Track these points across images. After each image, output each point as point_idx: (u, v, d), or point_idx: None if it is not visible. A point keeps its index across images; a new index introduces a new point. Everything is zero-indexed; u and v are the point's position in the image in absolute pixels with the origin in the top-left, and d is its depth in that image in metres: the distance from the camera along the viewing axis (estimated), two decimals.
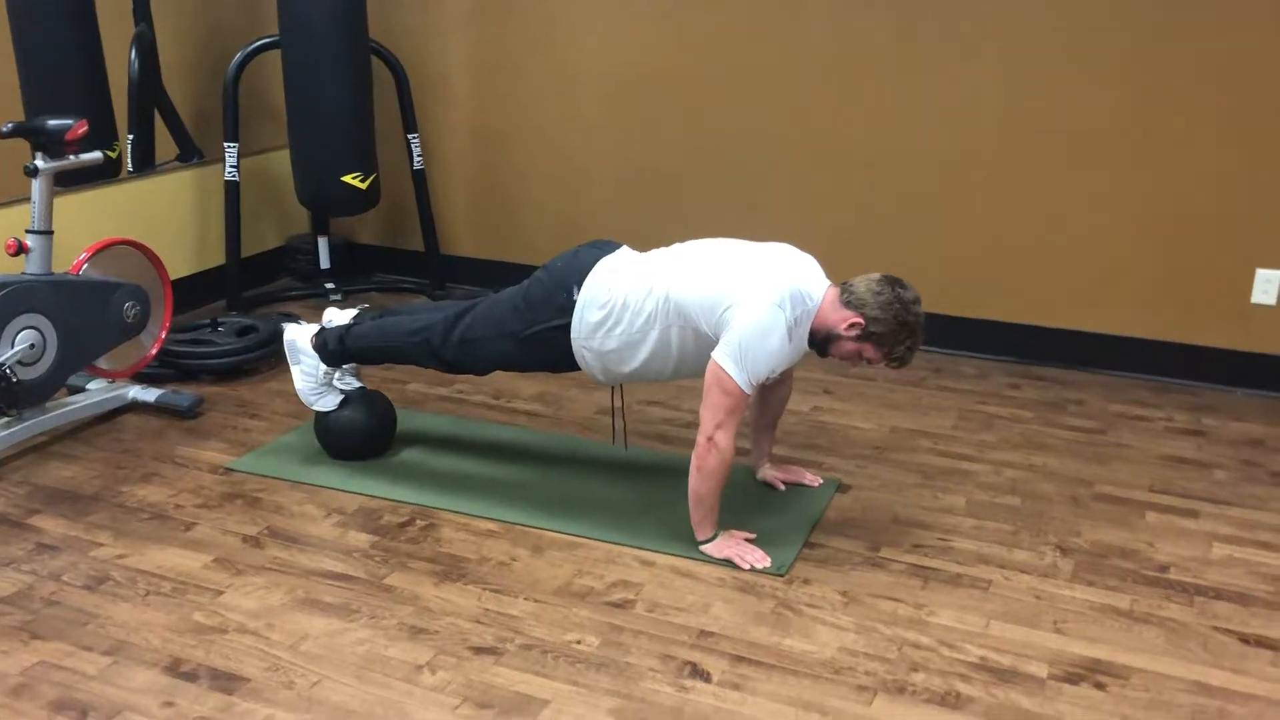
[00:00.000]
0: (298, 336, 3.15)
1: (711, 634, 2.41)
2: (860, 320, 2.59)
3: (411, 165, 4.54)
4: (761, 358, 2.57)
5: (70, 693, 2.22)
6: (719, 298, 2.61)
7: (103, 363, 3.49)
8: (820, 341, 2.68)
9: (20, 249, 3.19)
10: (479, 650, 2.36)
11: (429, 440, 3.36)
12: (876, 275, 2.64)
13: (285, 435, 3.38)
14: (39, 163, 3.19)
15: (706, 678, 2.27)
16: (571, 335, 2.78)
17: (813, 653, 2.35)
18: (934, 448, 3.32)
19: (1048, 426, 3.47)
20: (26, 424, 3.24)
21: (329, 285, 4.67)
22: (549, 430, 3.44)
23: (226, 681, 2.26)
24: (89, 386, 3.58)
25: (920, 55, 3.85)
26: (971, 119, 3.84)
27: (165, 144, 4.54)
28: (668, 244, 2.86)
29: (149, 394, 3.55)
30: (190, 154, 4.61)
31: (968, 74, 3.80)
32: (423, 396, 3.68)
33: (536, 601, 2.53)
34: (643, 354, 2.74)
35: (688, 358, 2.72)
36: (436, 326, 2.97)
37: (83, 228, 3.78)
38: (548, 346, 2.83)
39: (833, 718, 2.15)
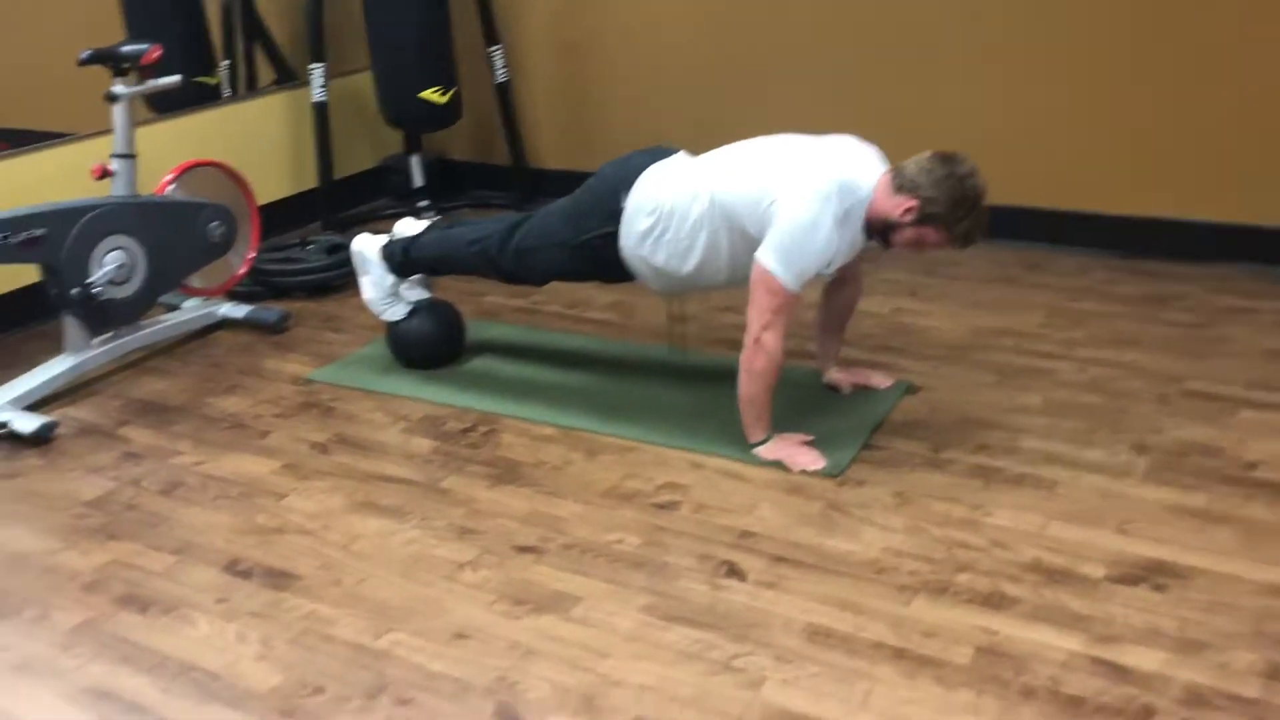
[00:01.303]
0: (365, 247, 3.20)
1: (753, 534, 2.38)
2: (915, 203, 2.47)
3: (494, 78, 4.52)
4: (808, 254, 2.48)
5: (136, 589, 2.34)
6: (762, 193, 2.53)
7: (195, 282, 3.62)
8: (879, 232, 2.57)
9: (105, 173, 3.32)
10: (522, 549, 2.38)
11: (499, 349, 3.38)
12: (927, 154, 2.51)
13: (364, 347, 3.45)
14: (117, 89, 3.30)
15: (742, 576, 2.24)
16: (620, 243, 2.74)
17: (855, 553, 2.30)
18: (1016, 346, 3.17)
19: (1144, 322, 3.27)
20: (122, 341, 3.39)
21: (422, 203, 4.72)
22: (619, 338, 3.42)
23: (279, 579, 2.34)
24: (184, 305, 3.73)
25: None
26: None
27: (267, 70, 4.65)
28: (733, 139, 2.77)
29: (239, 310, 3.67)
30: (287, 77, 4.70)
31: None
32: (499, 308, 3.71)
33: (584, 503, 2.54)
34: (693, 261, 2.68)
35: (739, 262, 2.64)
36: (494, 237, 2.97)
37: (178, 153, 3.88)
38: (598, 255, 2.79)
39: (867, 617, 2.10)
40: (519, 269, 2.96)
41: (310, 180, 4.60)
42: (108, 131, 3.36)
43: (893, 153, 2.64)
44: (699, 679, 1.97)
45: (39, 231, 3.10)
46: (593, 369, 3.22)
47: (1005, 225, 3.90)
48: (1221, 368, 2.97)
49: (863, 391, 2.96)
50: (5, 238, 3.04)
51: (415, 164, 4.77)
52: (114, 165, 3.33)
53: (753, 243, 2.56)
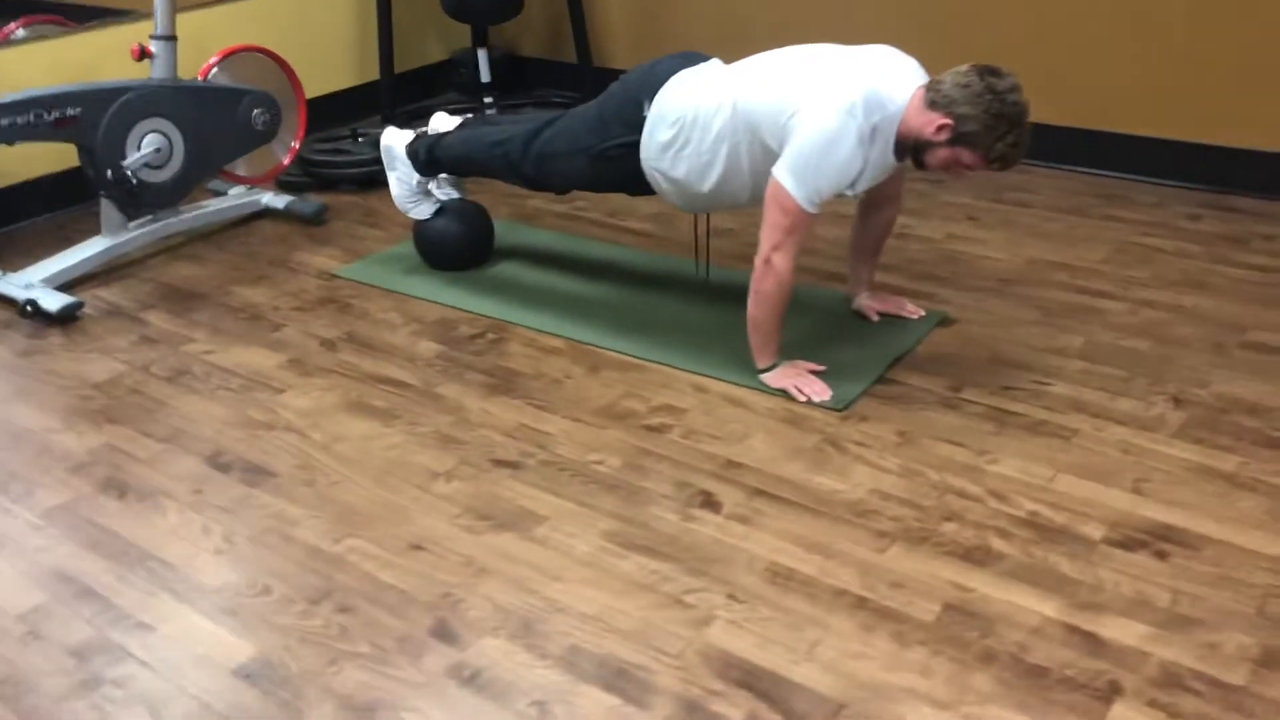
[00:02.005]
0: (394, 142, 3.12)
1: (739, 465, 2.26)
2: (949, 121, 2.27)
3: None
4: (826, 172, 2.30)
5: (118, 473, 2.35)
6: (783, 105, 2.35)
7: (239, 169, 3.61)
8: (912, 151, 2.37)
9: (144, 54, 3.29)
10: (500, 463, 2.32)
11: (530, 255, 3.29)
12: (965, 66, 2.29)
13: (398, 245, 3.40)
14: None
15: (716, 508, 2.14)
16: (640, 155, 2.60)
17: (841, 492, 2.16)
18: (1069, 282, 2.95)
19: (1217, 263, 3.01)
20: (160, 225, 3.40)
21: (487, 99, 4.61)
22: (654, 251, 3.29)
23: (255, 475, 2.32)
24: (229, 193, 3.72)
25: None
26: None
27: None
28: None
29: (279, 200, 3.65)
30: None
31: None
32: (540, 212, 3.60)
33: (574, 420, 2.45)
34: (713, 176, 2.52)
35: (761, 178, 2.46)
36: (517, 140, 2.85)
37: (234, 38, 3.85)
38: (618, 166, 2.66)
39: (837, 561, 1.98)
40: (539, 175, 2.84)
41: (374, 72, 4.53)
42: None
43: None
44: (644, 611, 1.89)
45: (73, 111, 3.10)
46: (617, 281, 3.10)
47: (1083, 151, 3.63)
48: None
49: (892, 321, 2.79)
50: (39, 115, 3.05)
51: (483, 58, 4.64)
52: (153, 47, 3.30)
53: (773, 158, 2.39)
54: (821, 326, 2.77)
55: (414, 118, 4.53)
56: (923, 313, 2.80)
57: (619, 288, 3.06)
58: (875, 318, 2.79)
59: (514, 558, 2.04)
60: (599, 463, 2.30)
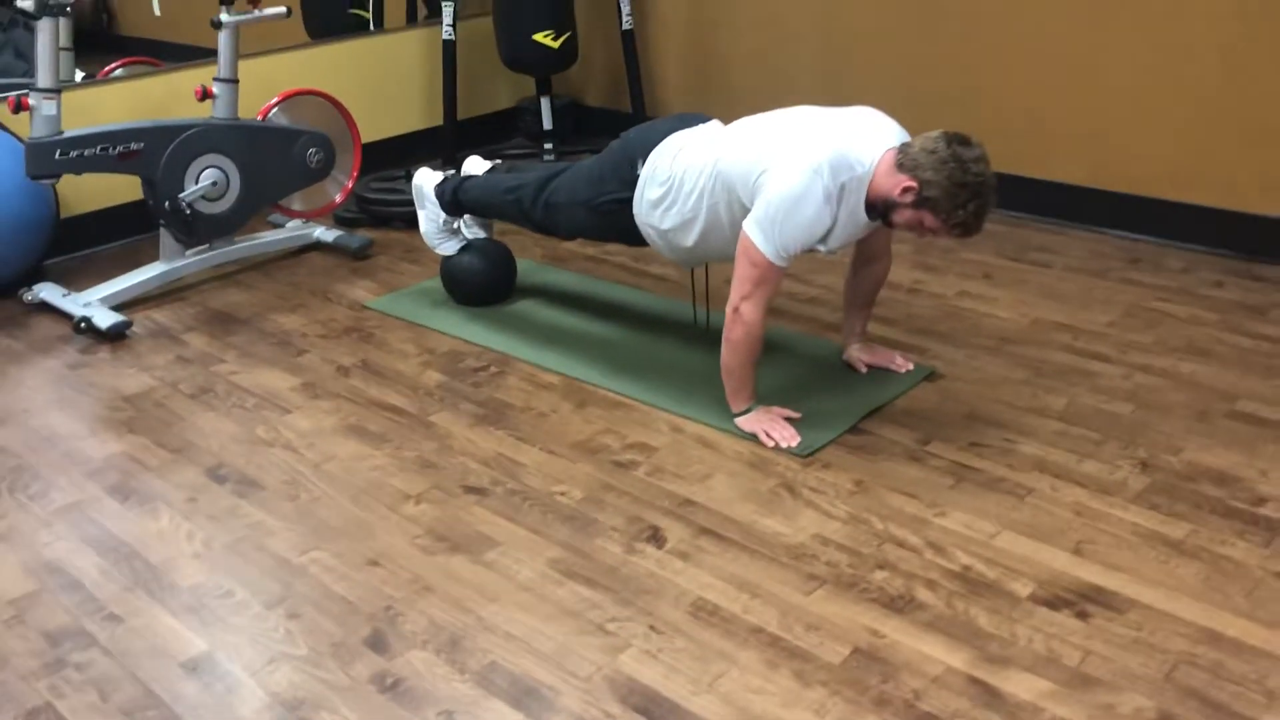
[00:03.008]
0: (424, 182, 3.30)
1: (694, 503, 2.34)
2: (914, 184, 2.33)
3: (620, 25, 4.52)
4: (793, 228, 2.39)
5: (127, 479, 2.55)
6: (755, 164, 2.44)
7: (294, 204, 3.85)
8: (881, 211, 2.44)
9: (206, 94, 3.55)
10: (469, 489, 2.44)
11: (550, 294, 3.43)
12: (936, 133, 2.35)
13: (430, 280, 3.57)
14: (223, 16, 3.51)
15: (660, 543, 2.22)
16: (634, 210, 2.72)
17: (783, 535, 2.22)
18: (1070, 344, 2.95)
19: (1229, 332, 2.97)
20: (215, 253, 3.64)
21: (547, 146, 4.80)
22: (669, 296, 3.39)
23: (246, 487, 2.49)
24: (286, 225, 3.96)
25: None
26: None
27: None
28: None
29: (329, 234, 3.87)
30: (434, 13, 4.86)
31: None
32: (571, 255, 3.74)
33: (548, 452, 2.56)
34: (695, 233, 2.63)
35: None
36: (529, 187, 3.00)
37: (311, 79, 4.10)
38: (613, 219, 2.79)
39: (761, 600, 2.04)
40: (546, 222, 2.99)
41: (439, 117, 4.75)
42: (251, 55, 3.59)
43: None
44: (566, 636, 1.98)
45: (136, 146, 3.37)
46: (623, 322, 3.21)
47: (1114, 214, 3.62)
48: None
49: (880, 373, 2.83)
50: (105, 149, 3.32)
51: (545, 106, 4.84)
52: (215, 88, 3.56)
53: (747, 213, 2.49)
54: (809, 375, 2.83)
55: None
56: (911, 366, 2.83)
57: (623, 329, 3.17)
58: (863, 369, 2.84)
59: (459, 578, 2.15)
60: (562, 494, 2.40)
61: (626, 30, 4.53)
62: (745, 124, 2.62)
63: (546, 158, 4.73)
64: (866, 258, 2.76)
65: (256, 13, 3.55)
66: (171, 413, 2.84)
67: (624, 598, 2.07)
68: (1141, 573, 2.06)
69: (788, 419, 2.59)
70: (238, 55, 3.57)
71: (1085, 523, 2.21)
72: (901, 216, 2.40)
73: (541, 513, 2.34)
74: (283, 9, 3.62)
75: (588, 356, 3.00)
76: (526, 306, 3.35)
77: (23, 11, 3.15)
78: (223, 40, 3.54)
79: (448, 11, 4.49)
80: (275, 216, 3.99)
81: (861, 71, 4.05)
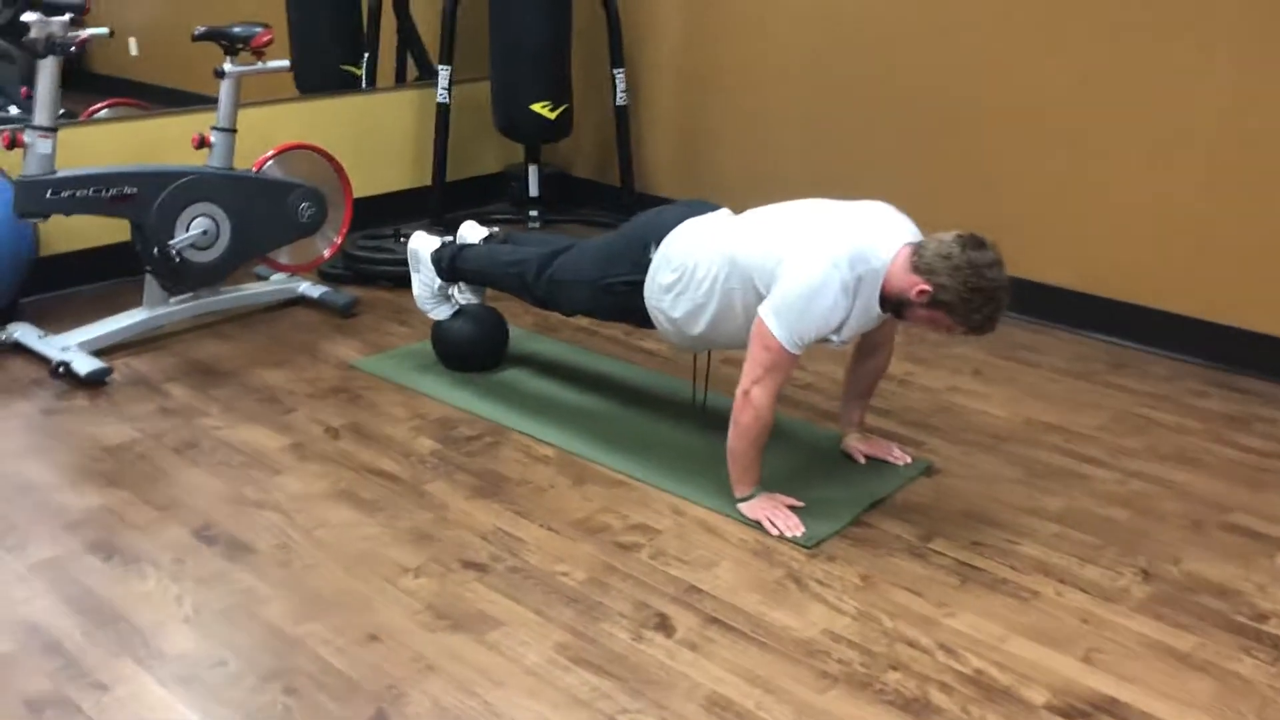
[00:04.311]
0: (420, 246, 3.28)
1: (700, 591, 2.31)
2: (928, 287, 2.36)
3: (614, 100, 4.56)
4: (809, 317, 2.39)
5: (110, 535, 2.45)
6: (773, 254, 2.46)
7: (281, 258, 3.79)
8: (893, 307, 2.46)
9: (203, 143, 3.51)
10: (468, 565, 2.38)
11: (542, 364, 3.40)
12: (951, 235, 2.38)
13: (417, 343, 3.53)
14: (227, 66, 3.48)
15: (669, 632, 2.18)
16: (645, 293, 2.72)
17: (794, 630, 2.19)
18: (1061, 445, 2.97)
19: (1214, 442, 3.01)
20: (199, 302, 3.57)
21: (533, 213, 4.80)
22: (661, 371, 3.38)
23: (236, 550, 2.41)
24: (271, 278, 3.90)
25: (1136, 20, 3.40)
26: (1189, 94, 3.35)
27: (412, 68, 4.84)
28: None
29: (315, 290, 3.82)
30: (429, 75, 4.87)
31: (1190, 47, 3.32)
32: (562, 324, 3.72)
33: (549, 530, 2.52)
34: (705, 319, 2.63)
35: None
36: (531, 263, 2.99)
37: (303, 133, 4.07)
38: (621, 300, 2.78)
39: (775, 698, 2.00)
40: (549, 297, 2.97)
41: (427, 178, 4.74)
42: (250, 104, 3.56)
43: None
44: None
45: (130, 190, 3.30)
46: (617, 397, 3.19)
47: (1099, 318, 3.69)
48: (1278, 504, 2.71)
49: (879, 464, 2.83)
50: (98, 192, 3.26)
51: (533, 174, 4.85)
52: (213, 137, 3.52)
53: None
54: (809, 463, 2.82)
55: (459, 223, 4.73)
56: (909, 459, 2.84)
57: (618, 403, 3.15)
58: (862, 460, 2.84)
59: (463, 659, 2.09)
60: (565, 574, 2.36)
61: (621, 106, 4.57)
62: (760, 214, 2.64)
63: (532, 225, 4.73)
64: (871, 347, 2.77)
65: (260, 65, 3.52)
66: (155, 467, 2.75)
67: (634, 688, 2.02)
68: (1153, 685, 2.06)
69: (792, 507, 2.58)
70: (238, 105, 3.54)
71: (1092, 630, 2.21)
72: (915, 314, 2.42)
73: (545, 593, 2.29)
74: (285, 62, 3.60)
75: (583, 430, 2.97)
76: (518, 375, 3.32)
77: (24, 47, 3.10)
78: (224, 90, 3.51)
79: (444, 75, 4.49)
80: (261, 269, 3.93)
81: (843, 170, 4.12)
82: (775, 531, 2.51)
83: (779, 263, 2.42)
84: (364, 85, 4.76)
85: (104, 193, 3.27)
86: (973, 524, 2.58)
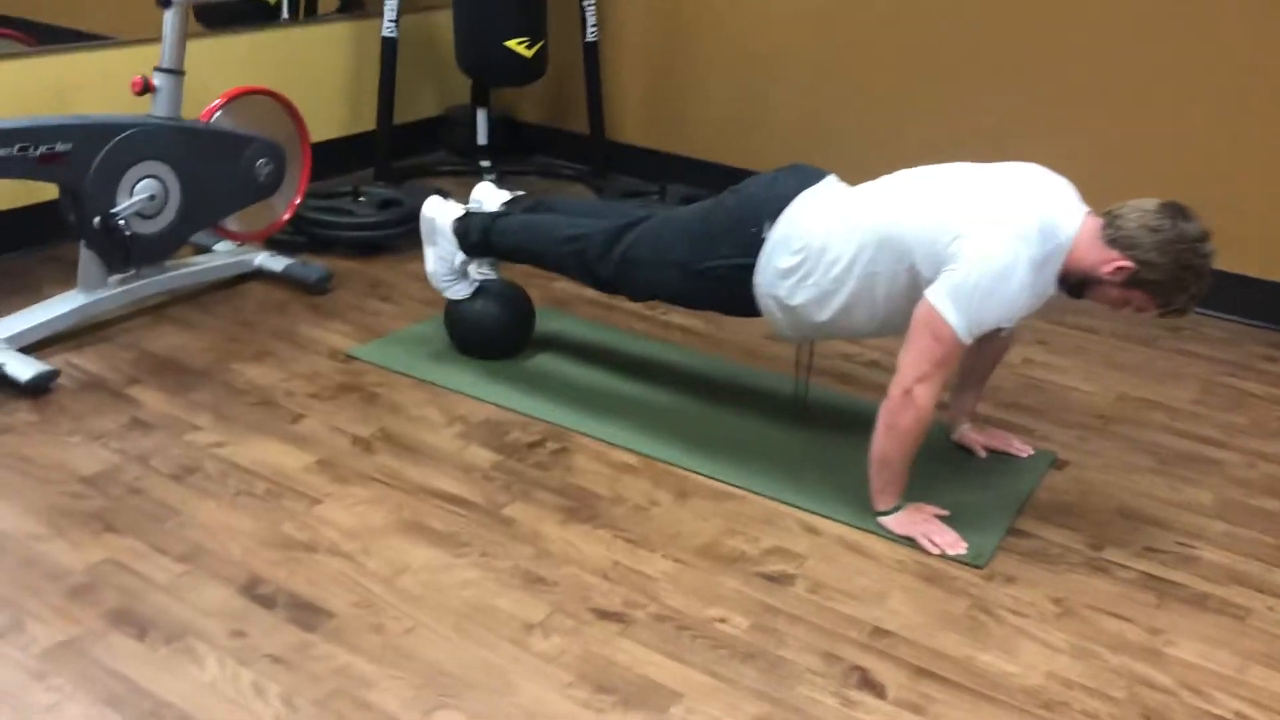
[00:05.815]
0: (439, 215, 2.76)
1: (888, 633, 1.95)
2: (1129, 265, 2.04)
3: (584, 36, 4.06)
4: (993, 302, 2.05)
5: (134, 602, 1.91)
6: (944, 226, 2.09)
7: (232, 224, 3.18)
8: (1075, 285, 2.14)
9: (146, 88, 2.87)
10: (603, 614, 1.96)
11: (569, 347, 2.95)
12: (1152, 204, 2.07)
13: (417, 325, 3.02)
14: None
15: (880, 692, 1.82)
16: (754, 279, 2.30)
17: (1015, 676, 1.87)
18: (1170, 425, 2.74)
19: None
20: (143, 282, 2.95)
21: (484, 163, 4.27)
22: (708, 351, 2.98)
23: (307, 613, 1.92)
24: (216, 248, 3.29)
25: None
26: (1252, 47, 3.14)
27: None
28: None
29: (277, 263, 3.23)
30: (352, 5, 4.25)
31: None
32: (570, 297, 3.26)
33: (676, 561, 2.11)
34: (835, 305, 2.25)
35: (898, 308, 2.19)
36: (596, 237, 2.52)
37: (224, 75, 3.44)
38: (723, 287, 2.36)
39: None
40: (619, 279, 2.52)
41: (367, 122, 4.14)
42: (154, 40, 2.91)
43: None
44: None
45: (63, 147, 2.66)
46: (679, 387, 2.78)
47: None
48: None
49: (999, 457, 2.53)
50: (24, 150, 2.60)
51: (481, 119, 4.31)
52: (157, 80, 2.88)
53: (920, 285, 2.12)
54: (928, 462, 2.46)
55: (408, 175, 4.17)
56: (1031, 451, 2.55)
57: (685, 394, 2.74)
58: (982, 453, 2.53)
59: None
60: (721, 620, 1.96)
61: (590, 42, 4.07)
62: (904, 183, 2.26)
63: (486, 176, 4.20)
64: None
65: None
66: (157, 502, 2.19)
67: None
68: None
69: (940, 518, 2.25)
70: (185, 40, 2.90)
71: None
72: (1103, 293, 2.11)
73: (709, 648, 1.89)
74: None
75: (658, 429, 2.55)
76: (550, 362, 2.86)
77: None
78: (170, 21, 2.87)
79: (391, 5, 3.89)
80: (201, 238, 3.30)
81: (843, 125, 3.78)
82: (935, 550, 2.17)
83: (955, 238, 2.06)
84: (284, 16, 4.09)
85: (30, 150, 2.61)
86: (1133, 525, 2.32)
